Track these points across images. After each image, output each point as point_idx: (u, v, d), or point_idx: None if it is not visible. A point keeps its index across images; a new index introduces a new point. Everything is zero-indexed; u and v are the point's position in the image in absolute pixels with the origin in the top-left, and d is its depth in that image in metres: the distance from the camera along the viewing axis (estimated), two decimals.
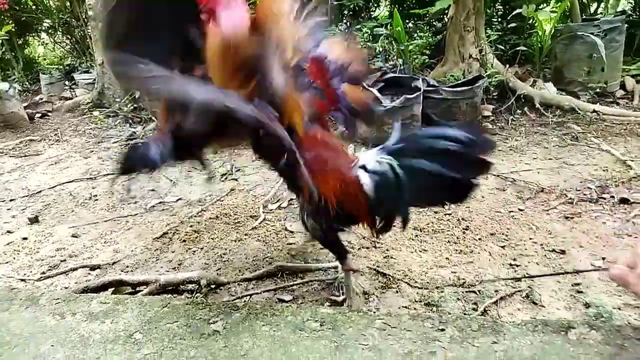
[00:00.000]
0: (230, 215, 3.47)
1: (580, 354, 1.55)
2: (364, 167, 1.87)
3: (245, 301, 2.42)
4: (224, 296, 2.51)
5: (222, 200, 3.72)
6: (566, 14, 5.91)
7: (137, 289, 2.56)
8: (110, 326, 1.87)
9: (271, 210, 3.50)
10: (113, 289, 2.57)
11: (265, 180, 4.00)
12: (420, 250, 2.83)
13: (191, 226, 3.34)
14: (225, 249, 3.02)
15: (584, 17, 6.00)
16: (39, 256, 3.16)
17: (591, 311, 2.19)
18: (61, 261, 3.07)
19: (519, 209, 3.29)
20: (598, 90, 5.23)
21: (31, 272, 2.97)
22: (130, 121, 5.78)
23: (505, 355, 1.57)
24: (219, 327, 1.82)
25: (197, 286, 2.56)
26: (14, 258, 3.16)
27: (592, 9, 6.65)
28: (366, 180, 1.84)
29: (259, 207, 3.50)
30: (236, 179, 4.07)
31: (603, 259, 2.62)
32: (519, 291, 2.37)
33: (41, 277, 2.87)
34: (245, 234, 3.18)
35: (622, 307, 2.22)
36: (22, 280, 2.88)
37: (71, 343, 1.81)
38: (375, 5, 7.02)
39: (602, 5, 6.39)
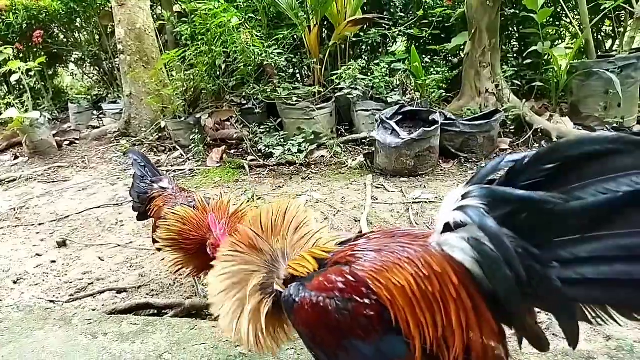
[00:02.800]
0: None
1: None
2: (450, 228, 1.16)
3: None
4: None
5: None
6: (581, 51, 6.02)
7: (163, 312, 2.64)
8: (141, 346, 1.95)
9: None
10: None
11: None
12: None
13: None
14: None
15: (600, 54, 6.10)
16: (67, 279, 3.26)
17: (612, 344, 2.19)
18: (89, 284, 3.17)
19: None
20: (615, 125, 5.28)
21: (60, 294, 3.07)
22: (155, 149, 5.97)
23: None
24: (244, 349, 1.88)
25: None
26: (43, 280, 3.27)
27: (608, 46, 6.76)
28: (461, 255, 1.13)
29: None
30: (257, 207, 4.16)
31: None
32: (539, 323, 2.39)
33: (70, 299, 2.96)
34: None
35: None
36: (51, 302, 2.97)
37: None
38: (393, 41, 7.24)
39: (617, 42, 6.49)
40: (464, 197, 1.13)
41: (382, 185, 4.46)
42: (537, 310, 1.20)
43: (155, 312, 2.67)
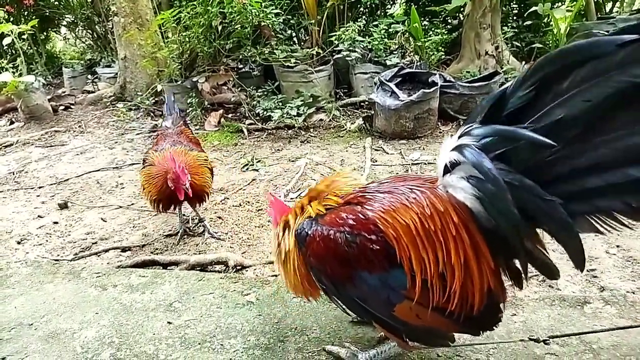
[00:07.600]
0: (253, 203, 3.59)
1: (595, 325, 1.65)
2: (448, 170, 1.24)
3: (275, 279, 2.53)
4: (251, 276, 2.62)
5: (244, 189, 3.84)
6: (581, 13, 5.95)
7: (169, 268, 2.68)
8: (151, 296, 1.99)
9: (292, 199, 3.61)
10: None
11: (285, 171, 4.12)
12: None
13: (215, 213, 3.46)
14: (249, 234, 3.13)
15: (600, 15, 6.03)
16: (70, 239, 3.30)
17: (606, 294, 2.27)
18: (92, 244, 3.21)
19: None
20: None
21: (64, 253, 3.11)
22: (152, 114, 5.93)
23: (524, 325, 1.67)
24: (252, 298, 1.94)
25: (225, 267, 2.68)
26: (47, 240, 3.31)
27: (608, 8, 6.69)
28: (462, 194, 1.21)
29: (280, 196, 3.61)
30: (257, 170, 4.19)
31: (617, 246, 2.69)
32: (535, 275, 2.46)
33: (74, 258, 3.01)
34: (268, 220, 3.29)
35: (636, 291, 2.29)
36: (56, 260, 3.01)
37: (114, 311, 1.93)
38: (391, 2, 7.11)
39: (618, 4, 6.42)
40: (459, 137, 1.17)
41: (381, 147, 4.48)
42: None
43: (161, 268, 2.72)
